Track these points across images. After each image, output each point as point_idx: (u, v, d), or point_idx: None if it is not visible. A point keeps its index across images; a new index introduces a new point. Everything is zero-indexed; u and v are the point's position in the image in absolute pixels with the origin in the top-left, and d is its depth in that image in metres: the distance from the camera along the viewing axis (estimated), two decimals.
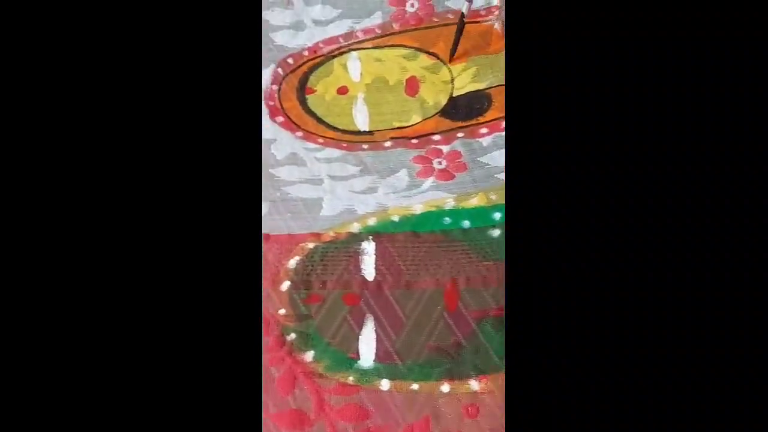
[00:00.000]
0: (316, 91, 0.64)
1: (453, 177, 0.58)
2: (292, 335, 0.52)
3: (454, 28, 0.66)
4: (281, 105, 0.63)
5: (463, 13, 0.63)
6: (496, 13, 0.68)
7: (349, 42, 0.66)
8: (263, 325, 0.55)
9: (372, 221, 0.57)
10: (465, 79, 0.64)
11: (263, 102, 0.64)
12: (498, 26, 0.67)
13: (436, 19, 0.65)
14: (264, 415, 0.50)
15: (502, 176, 0.59)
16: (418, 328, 0.52)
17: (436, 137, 0.60)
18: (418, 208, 0.57)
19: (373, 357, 0.51)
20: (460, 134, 0.60)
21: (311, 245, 0.56)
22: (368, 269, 0.54)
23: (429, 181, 0.58)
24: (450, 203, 0.57)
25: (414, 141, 0.60)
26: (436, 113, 0.62)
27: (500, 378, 0.51)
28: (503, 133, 0.61)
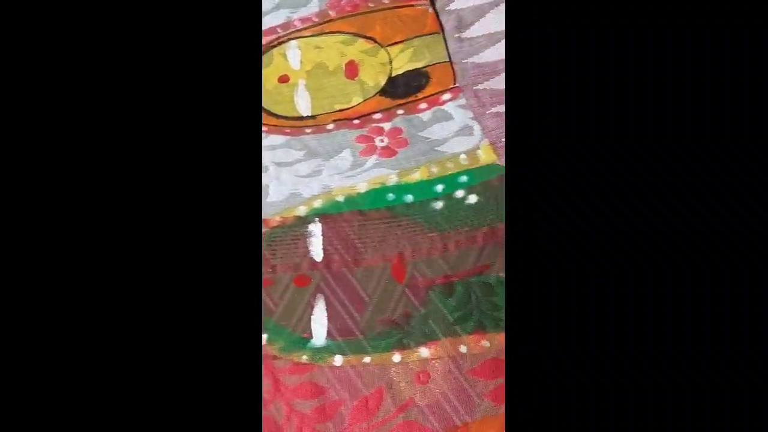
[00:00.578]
0: None
1: (395, 153, 0.58)
2: None
3: (389, 13, 0.65)
4: None
5: None
6: None
7: (288, 32, 0.66)
8: None
9: (318, 203, 0.57)
10: (403, 60, 0.64)
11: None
12: (431, 10, 0.68)
13: (371, 4, 0.66)
14: None
15: (443, 148, 0.59)
16: (368, 303, 0.53)
17: (377, 116, 0.61)
18: (362, 187, 0.57)
19: (325, 335, 0.52)
20: (400, 111, 0.61)
21: (263, 229, 0.57)
22: (316, 250, 0.55)
23: (372, 159, 0.59)
24: (393, 179, 0.58)
25: (356, 121, 0.61)
26: (377, 93, 0.62)
27: (448, 343, 0.51)
28: (443, 107, 0.62)
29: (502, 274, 0.54)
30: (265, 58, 0.64)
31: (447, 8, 0.68)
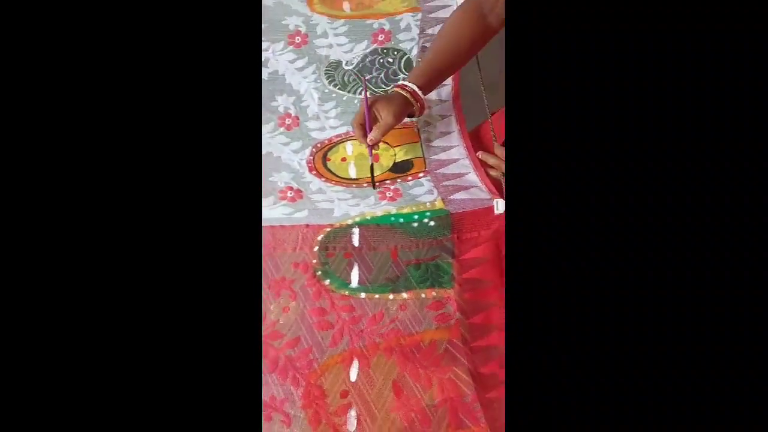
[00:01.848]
0: (330, 159, 0.87)
1: (396, 200, 0.83)
2: (319, 272, 0.76)
3: (397, 131, 0.86)
4: (315, 166, 0.87)
5: (371, 164, 0.83)
6: (416, 122, 0.89)
7: (347, 137, 0.90)
8: (304, 269, 0.75)
9: (357, 219, 0.81)
10: (401, 154, 0.88)
11: (307, 164, 0.86)
12: (416, 129, 0.89)
13: None
14: (305, 312, 0.72)
15: (419, 199, 0.82)
16: (378, 268, 0.76)
17: (388, 181, 0.85)
18: (379, 213, 0.82)
19: (357, 282, 0.76)
20: (398, 180, 0.85)
21: (328, 229, 0.80)
22: (355, 241, 0.79)
23: (384, 201, 0.83)
24: (393, 211, 0.82)
25: (377, 183, 0.85)
26: (388, 170, 0.87)
27: (417, 293, 0.73)
28: (419, 179, 0.84)
29: (445, 261, 0.75)
30: (335, 148, 0.88)
31: (423, 129, 0.90)
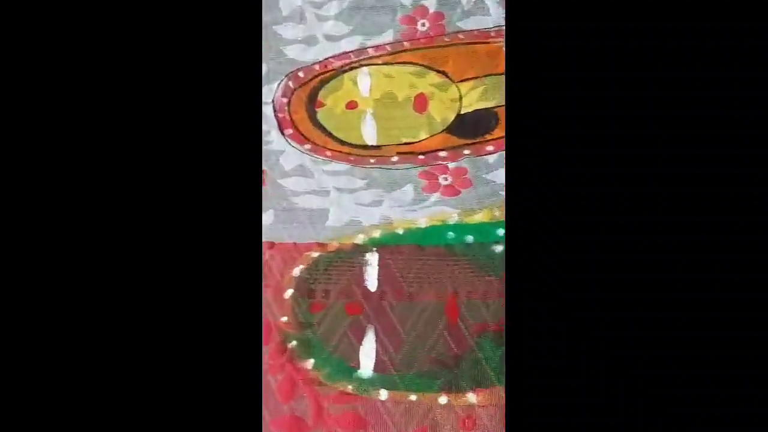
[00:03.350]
0: (325, 105, 0.56)
1: (458, 193, 0.53)
2: (294, 342, 0.50)
3: (463, 48, 0.59)
4: (291, 117, 0.57)
5: None
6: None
7: (360, 58, 0.58)
8: (264, 333, 0.51)
9: (376, 233, 0.53)
10: (473, 97, 0.56)
11: (274, 114, 0.58)
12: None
13: (446, 39, 0.57)
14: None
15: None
16: (419, 340, 0.50)
17: (443, 153, 0.54)
18: (422, 222, 0.53)
19: (372, 367, 0.49)
20: (466, 151, 0.54)
21: (316, 254, 0.52)
22: (371, 280, 0.51)
23: (434, 196, 0.53)
24: (454, 218, 0.52)
25: (421, 157, 0.54)
26: (444, 130, 0.56)
27: (496, 391, 0.49)
28: None
29: None
30: (335, 82, 0.57)
31: None
